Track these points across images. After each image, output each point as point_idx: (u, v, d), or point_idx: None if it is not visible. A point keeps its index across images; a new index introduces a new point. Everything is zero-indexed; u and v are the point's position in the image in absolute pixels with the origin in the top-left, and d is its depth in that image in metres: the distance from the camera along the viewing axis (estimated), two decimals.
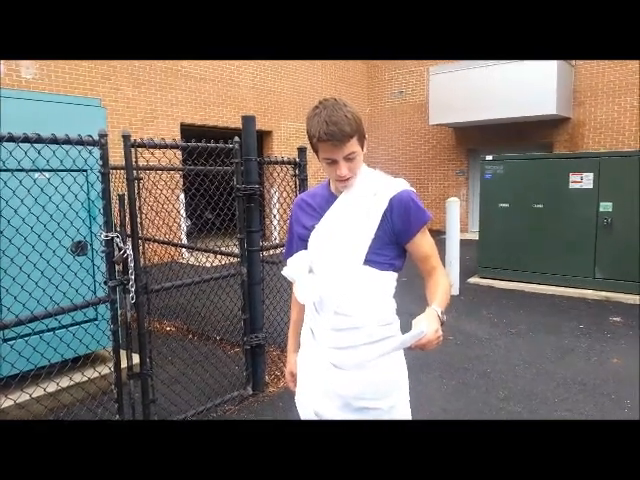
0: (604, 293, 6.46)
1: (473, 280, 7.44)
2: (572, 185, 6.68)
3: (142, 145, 3.05)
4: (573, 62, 11.05)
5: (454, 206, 6.74)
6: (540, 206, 6.95)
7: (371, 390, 1.62)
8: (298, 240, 1.74)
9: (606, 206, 6.47)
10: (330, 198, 1.69)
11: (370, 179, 1.66)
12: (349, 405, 1.63)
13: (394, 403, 1.66)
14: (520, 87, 10.42)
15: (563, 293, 6.68)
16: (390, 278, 1.65)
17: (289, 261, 1.70)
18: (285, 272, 1.69)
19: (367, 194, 1.62)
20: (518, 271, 7.18)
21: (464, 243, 7.35)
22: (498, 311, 6.00)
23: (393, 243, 1.62)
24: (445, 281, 1.65)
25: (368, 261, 1.59)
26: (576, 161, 6.77)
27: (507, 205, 7.21)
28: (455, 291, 6.74)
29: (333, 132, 1.48)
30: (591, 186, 6.54)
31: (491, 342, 4.94)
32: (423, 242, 1.64)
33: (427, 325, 1.40)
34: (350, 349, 1.61)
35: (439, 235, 8.41)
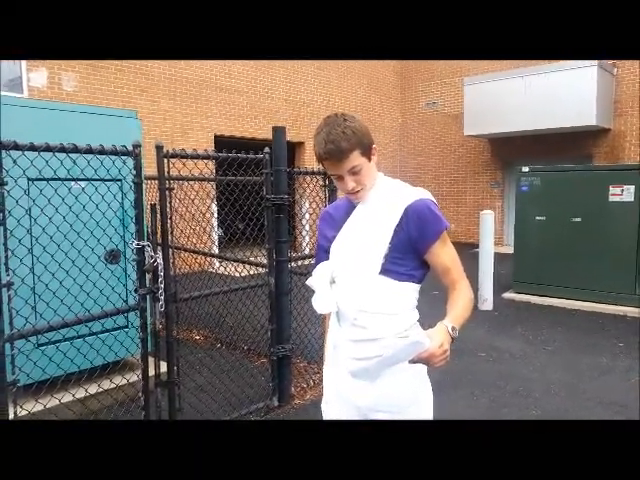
0: None
1: (508, 295, 7.24)
2: (612, 198, 6.45)
3: (174, 155, 3.10)
4: (614, 71, 10.75)
5: (488, 219, 6.61)
6: (578, 220, 6.73)
7: (385, 402, 1.61)
8: (323, 252, 1.76)
9: None
10: (349, 209, 1.70)
11: (388, 188, 1.65)
12: (366, 417, 1.64)
13: (411, 418, 1.62)
14: (558, 97, 10.17)
15: (602, 310, 6.43)
16: (410, 289, 1.62)
17: (313, 272, 1.71)
18: (309, 282, 1.71)
19: (383, 203, 1.62)
20: (554, 286, 6.95)
21: (499, 257, 7.19)
22: (533, 327, 5.81)
23: (412, 253, 1.59)
24: (466, 296, 1.61)
25: (385, 271, 1.58)
26: (616, 173, 6.54)
27: (544, 218, 7.00)
28: (489, 306, 6.58)
29: (331, 150, 1.52)
30: (632, 199, 6.30)
31: (525, 359, 4.78)
32: (442, 253, 1.61)
33: (429, 338, 1.37)
34: (365, 360, 1.59)
35: (472, 248, 8.25)
